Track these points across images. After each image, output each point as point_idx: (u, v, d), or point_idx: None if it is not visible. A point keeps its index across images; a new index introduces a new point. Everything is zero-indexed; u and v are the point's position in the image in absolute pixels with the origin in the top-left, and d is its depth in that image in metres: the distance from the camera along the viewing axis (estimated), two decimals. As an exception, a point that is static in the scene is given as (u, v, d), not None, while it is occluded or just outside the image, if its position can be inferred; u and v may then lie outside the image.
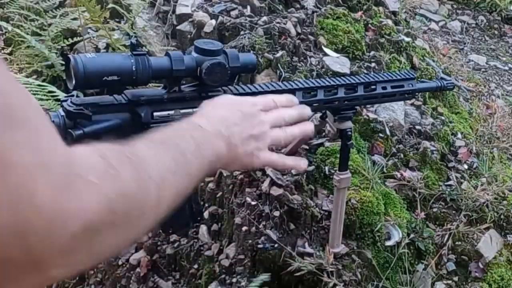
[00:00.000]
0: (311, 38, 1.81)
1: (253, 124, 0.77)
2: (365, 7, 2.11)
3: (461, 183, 1.70)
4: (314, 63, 1.71)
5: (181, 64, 0.83)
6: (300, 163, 0.93)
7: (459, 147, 1.83)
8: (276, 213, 1.34)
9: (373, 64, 1.83)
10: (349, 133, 1.17)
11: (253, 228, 1.34)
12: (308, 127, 0.89)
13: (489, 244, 1.58)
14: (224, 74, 0.87)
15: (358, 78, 1.13)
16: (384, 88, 1.15)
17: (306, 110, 0.91)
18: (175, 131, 0.65)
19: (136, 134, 0.84)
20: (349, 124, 1.17)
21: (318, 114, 1.28)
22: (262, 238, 1.32)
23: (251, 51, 1.62)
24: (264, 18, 1.77)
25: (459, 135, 1.88)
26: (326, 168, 1.47)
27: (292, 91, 1.02)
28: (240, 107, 0.78)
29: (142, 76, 0.79)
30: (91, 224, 0.40)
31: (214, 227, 1.51)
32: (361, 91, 1.11)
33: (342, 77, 1.11)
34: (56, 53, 2.01)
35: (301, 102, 1.03)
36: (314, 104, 1.06)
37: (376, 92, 1.14)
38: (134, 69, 0.78)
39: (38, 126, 0.38)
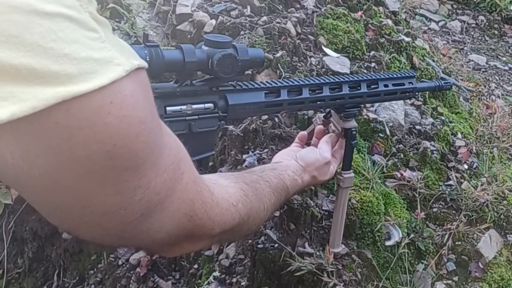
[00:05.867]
0: (311, 38, 1.81)
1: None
2: (365, 7, 2.11)
3: (461, 183, 1.70)
4: (314, 63, 1.71)
5: (193, 56, 0.83)
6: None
7: (459, 147, 1.83)
8: (276, 213, 1.34)
9: (373, 64, 1.83)
10: (354, 132, 1.19)
11: (253, 228, 1.34)
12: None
13: (489, 244, 1.58)
14: (235, 66, 0.87)
15: (361, 76, 1.17)
16: (386, 85, 1.18)
17: None
18: (280, 180, 0.97)
19: None
20: (353, 124, 1.19)
21: (322, 114, 1.28)
22: (262, 238, 1.32)
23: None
24: (264, 18, 1.76)
25: (459, 135, 1.88)
26: (326, 168, 1.47)
27: (299, 88, 1.04)
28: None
29: (155, 68, 0.78)
30: (226, 229, 0.67)
31: (214, 227, 1.51)
32: (364, 89, 1.14)
33: (345, 75, 1.15)
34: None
35: (307, 99, 1.05)
36: (320, 101, 1.08)
37: (378, 90, 1.17)
38: (148, 59, 0.77)
39: (189, 168, 0.56)
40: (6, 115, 0.36)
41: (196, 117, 0.88)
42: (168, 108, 0.84)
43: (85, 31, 0.40)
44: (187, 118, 0.87)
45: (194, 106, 0.88)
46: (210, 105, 0.90)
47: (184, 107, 0.86)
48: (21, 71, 0.36)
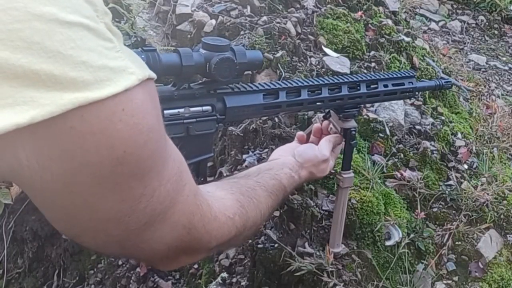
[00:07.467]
0: (311, 38, 1.81)
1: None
2: (365, 7, 2.11)
3: (461, 183, 1.70)
4: (314, 63, 1.71)
5: (191, 59, 0.82)
6: None
7: (459, 147, 1.83)
8: (276, 213, 1.34)
9: (373, 64, 1.83)
10: (353, 132, 1.19)
11: (253, 228, 1.34)
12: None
13: (489, 244, 1.58)
14: (233, 69, 0.87)
15: (360, 76, 1.16)
16: (385, 86, 1.17)
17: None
18: (276, 180, 0.96)
19: None
20: (353, 124, 1.19)
21: (322, 114, 1.28)
22: (262, 238, 1.32)
23: (252, 51, 1.62)
24: (264, 18, 1.76)
25: (459, 135, 1.88)
26: (326, 168, 1.47)
27: (297, 89, 1.03)
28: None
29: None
30: (223, 242, 0.66)
31: (214, 227, 1.51)
32: (363, 89, 1.14)
33: (344, 76, 1.14)
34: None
35: (306, 100, 1.04)
36: (319, 102, 1.08)
37: (378, 90, 1.17)
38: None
39: (190, 181, 0.56)
40: (26, 119, 0.38)
41: (194, 120, 0.88)
42: (165, 111, 0.84)
43: (101, 40, 0.42)
44: (185, 121, 0.87)
45: (192, 109, 0.87)
46: (208, 107, 0.90)
47: (182, 110, 0.86)
48: (41, 76, 0.38)
